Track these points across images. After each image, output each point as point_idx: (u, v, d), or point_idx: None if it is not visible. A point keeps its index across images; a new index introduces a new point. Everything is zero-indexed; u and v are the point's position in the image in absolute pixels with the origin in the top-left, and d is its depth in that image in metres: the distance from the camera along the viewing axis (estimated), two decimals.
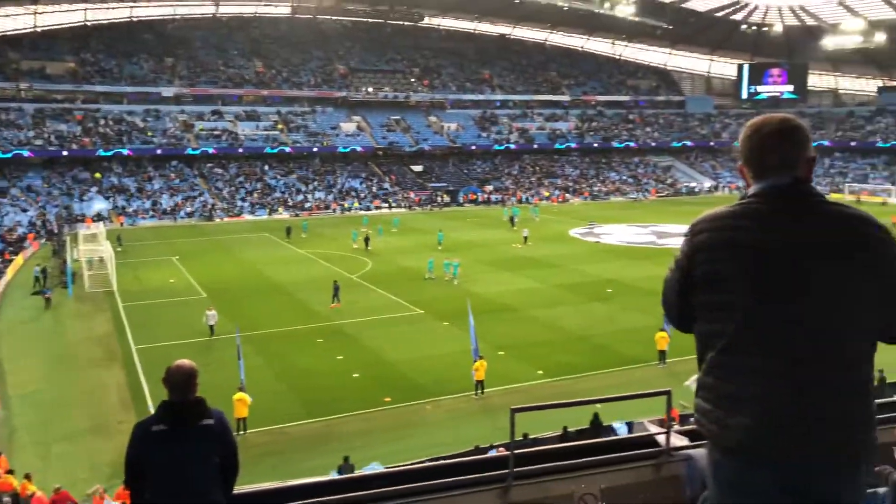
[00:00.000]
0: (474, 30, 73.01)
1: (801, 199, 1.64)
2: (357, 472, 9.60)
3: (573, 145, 64.16)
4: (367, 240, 34.64)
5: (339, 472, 11.25)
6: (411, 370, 18.06)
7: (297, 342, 20.35)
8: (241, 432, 14.09)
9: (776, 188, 1.65)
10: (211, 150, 52.46)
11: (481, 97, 67.33)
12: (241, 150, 53.42)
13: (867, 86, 70.97)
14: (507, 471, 2.81)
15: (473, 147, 61.41)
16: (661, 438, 3.10)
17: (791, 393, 1.60)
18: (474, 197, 55.13)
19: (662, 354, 18.25)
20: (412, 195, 54.21)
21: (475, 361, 16.54)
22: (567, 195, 57.06)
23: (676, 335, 17.23)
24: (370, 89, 63.31)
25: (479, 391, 16.53)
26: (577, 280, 27.37)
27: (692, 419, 1.81)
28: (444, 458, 8.67)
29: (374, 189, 54.82)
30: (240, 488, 2.80)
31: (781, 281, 1.61)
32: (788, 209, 1.64)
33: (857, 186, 54.95)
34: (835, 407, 1.61)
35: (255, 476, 9.83)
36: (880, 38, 60.18)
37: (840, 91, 73.48)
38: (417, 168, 58.59)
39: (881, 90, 67.80)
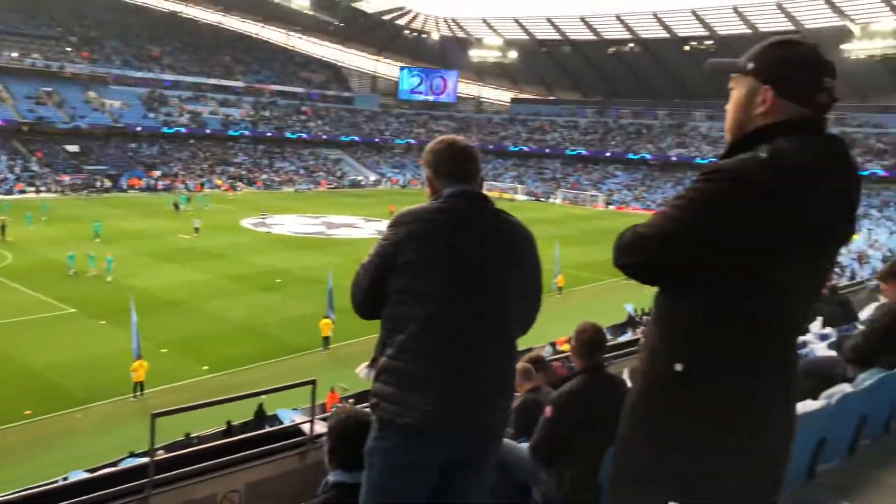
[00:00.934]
0: (143, 3, 68.26)
1: (485, 204, 1.98)
2: None
3: (246, 133, 64.19)
4: (3, 228, 31.09)
5: None
6: (61, 376, 17.10)
7: None
8: None
9: (467, 193, 1.96)
10: None
11: (150, 75, 63.14)
12: None
13: (503, 96, 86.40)
14: (146, 480, 2.75)
15: (139, 128, 57.50)
16: (307, 427, 3.25)
17: (469, 374, 1.85)
18: (139, 182, 51.97)
19: (326, 340, 19.64)
20: (66, 178, 48.92)
21: (134, 362, 16.35)
22: (241, 184, 57.21)
23: (340, 322, 18.81)
24: (14, 54, 55.08)
25: (139, 393, 16.28)
26: (247, 271, 27.64)
27: (369, 403, 1.93)
28: (91, 470, 8.57)
29: (18, 170, 48.14)
30: None
31: (471, 275, 1.88)
32: (478, 211, 1.95)
33: (491, 184, 67.21)
34: (502, 387, 1.95)
35: None
36: (513, 55, 74.42)
37: (482, 99, 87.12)
38: (73, 148, 52.79)
39: (513, 101, 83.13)
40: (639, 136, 67.83)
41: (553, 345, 16.93)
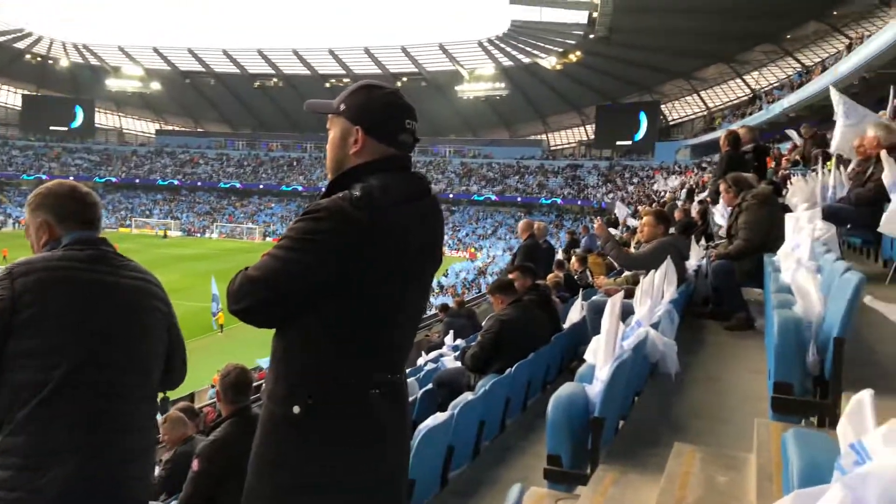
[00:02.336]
0: None
1: (109, 250, 2.19)
2: None
3: None
4: None
5: None
6: None
7: None
8: None
9: (91, 239, 2.15)
10: None
11: None
12: None
13: (148, 127, 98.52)
14: None
15: None
16: None
17: (114, 435, 1.99)
18: None
19: None
20: None
21: None
22: None
23: None
24: None
25: None
26: None
27: None
28: None
29: None
30: None
31: (107, 328, 2.04)
32: (106, 258, 2.14)
33: (142, 221, 76.43)
34: (143, 448, 2.13)
35: None
36: (156, 86, 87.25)
37: (124, 130, 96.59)
38: None
39: (158, 132, 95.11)
40: (290, 169, 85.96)
41: (214, 387, 22.59)
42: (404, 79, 78.07)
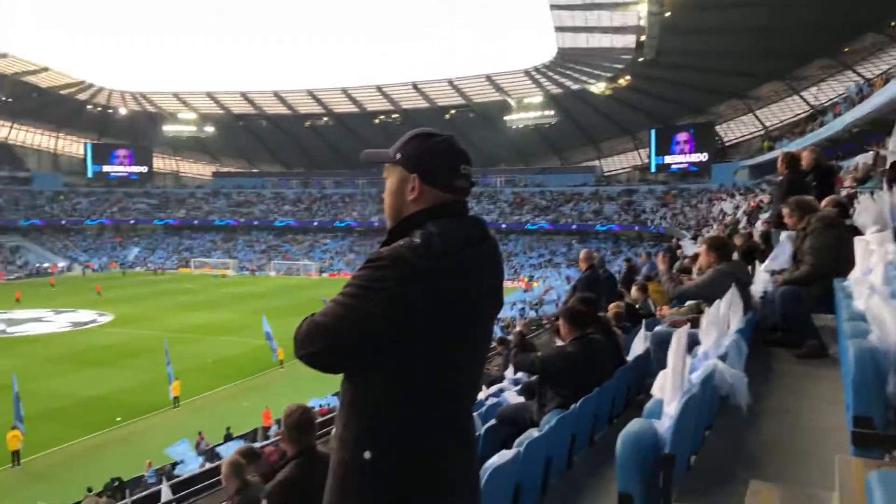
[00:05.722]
0: None
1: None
2: None
3: None
4: None
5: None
6: None
7: None
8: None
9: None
10: None
11: None
12: None
13: (204, 170, 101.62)
14: None
15: None
16: None
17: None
18: None
19: (16, 455, 20.52)
20: None
21: None
22: None
23: (30, 431, 21.10)
24: None
25: None
26: None
27: None
28: None
29: None
30: None
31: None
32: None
33: (201, 261, 78.90)
34: None
35: None
36: (210, 129, 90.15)
37: (181, 174, 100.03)
38: None
39: (214, 174, 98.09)
40: (343, 205, 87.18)
41: (279, 422, 19.50)
42: (452, 111, 78.79)
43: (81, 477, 18.69)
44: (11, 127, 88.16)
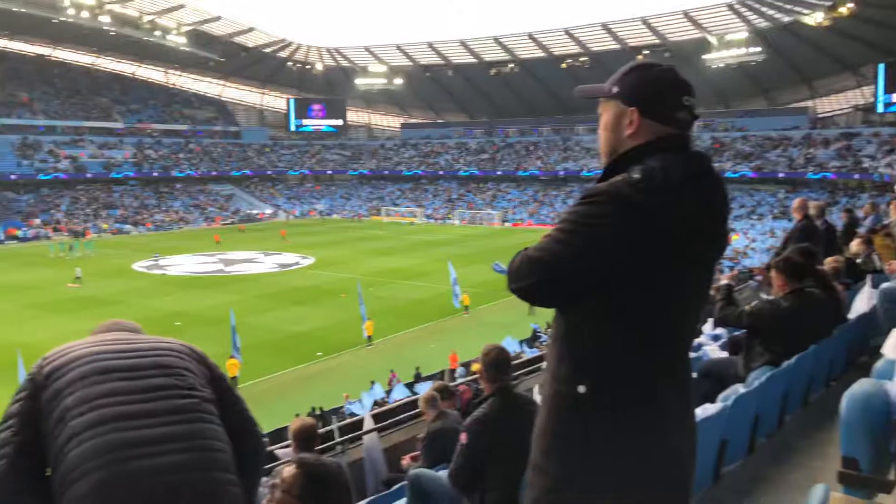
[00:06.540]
0: (4, 48, 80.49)
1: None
2: None
3: (131, 174, 76.79)
4: None
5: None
6: None
7: None
8: None
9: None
10: None
11: (20, 121, 75.03)
12: None
13: (393, 122, 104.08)
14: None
15: (13, 176, 68.69)
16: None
17: None
18: (16, 232, 60.80)
19: (234, 381, 20.65)
20: None
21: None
22: (128, 226, 68.42)
23: (247, 360, 22.96)
24: None
25: None
26: (144, 315, 28.84)
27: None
28: None
29: None
30: None
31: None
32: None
33: (392, 209, 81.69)
34: None
35: None
36: (399, 81, 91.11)
37: (373, 126, 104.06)
38: None
39: (403, 126, 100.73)
40: (527, 154, 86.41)
41: (466, 365, 21.21)
42: (645, 52, 75.28)
43: (289, 404, 20.37)
44: (224, 85, 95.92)
